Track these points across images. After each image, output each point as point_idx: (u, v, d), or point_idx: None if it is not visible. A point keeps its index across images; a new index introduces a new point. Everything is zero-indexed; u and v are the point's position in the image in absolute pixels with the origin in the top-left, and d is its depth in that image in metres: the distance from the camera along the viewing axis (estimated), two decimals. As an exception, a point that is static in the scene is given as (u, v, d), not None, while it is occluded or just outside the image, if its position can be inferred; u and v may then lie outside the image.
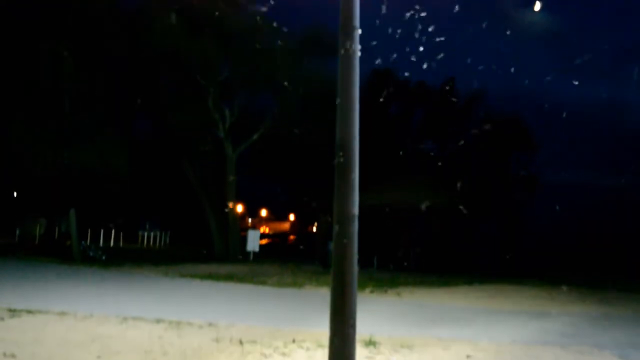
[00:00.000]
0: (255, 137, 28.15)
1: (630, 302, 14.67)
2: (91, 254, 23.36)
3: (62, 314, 9.21)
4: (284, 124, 26.77)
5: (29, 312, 9.11)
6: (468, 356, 7.45)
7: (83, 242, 25.32)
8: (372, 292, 15.51)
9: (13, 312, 8.99)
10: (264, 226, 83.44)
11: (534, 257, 35.08)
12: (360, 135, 6.01)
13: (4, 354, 6.18)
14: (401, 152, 34.66)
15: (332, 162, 6.02)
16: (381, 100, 32.31)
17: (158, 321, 9.01)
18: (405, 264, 28.55)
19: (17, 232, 35.03)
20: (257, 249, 28.29)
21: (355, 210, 5.84)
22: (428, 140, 40.54)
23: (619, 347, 8.31)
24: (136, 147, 28.62)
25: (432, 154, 38.33)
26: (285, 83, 22.41)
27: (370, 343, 7.84)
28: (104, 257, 23.17)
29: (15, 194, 39.86)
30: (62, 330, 7.80)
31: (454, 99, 37.93)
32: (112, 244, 38.62)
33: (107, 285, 14.46)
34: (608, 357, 7.67)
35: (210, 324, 9.00)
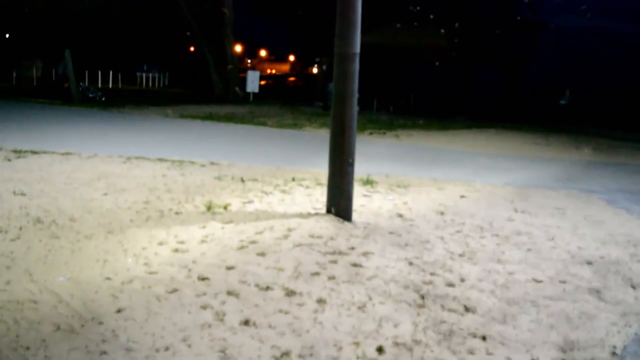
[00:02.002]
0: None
1: (623, 150, 14.91)
2: (90, 95, 23.20)
3: (67, 154, 9.37)
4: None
5: (34, 152, 9.26)
6: (462, 196, 7.71)
7: (81, 83, 25.03)
8: (370, 134, 15.70)
9: (19, 153, 9.13)
10: (270, 68, 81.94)
11: (534, 104, 35.02)
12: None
13: (14, 193, 6.37)
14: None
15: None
16: None
17: (161, 160, 9.21)
18: (405, 106, 28.56)
19: (14, 74, 34.57)
20: (256, 90, 28.17)
21: (356, 49, 5.69)
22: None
23: (608, 192, 8.57)
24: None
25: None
26: None
27: (367, 182, 8.08)
28: (103, 99, 23.08)
29: (7, 35, 38.63)
30: (68, 170, 7.99)
31: None
32: (110, 85, 38.33)
33: (109, 126, 14.56)
34: (596, 200, 7.94)
35: (212, 163, 9.22)
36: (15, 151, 9.24)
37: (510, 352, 3.22)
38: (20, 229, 5.04)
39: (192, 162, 9.20)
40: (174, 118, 17.67)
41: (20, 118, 15.04)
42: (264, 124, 17.21)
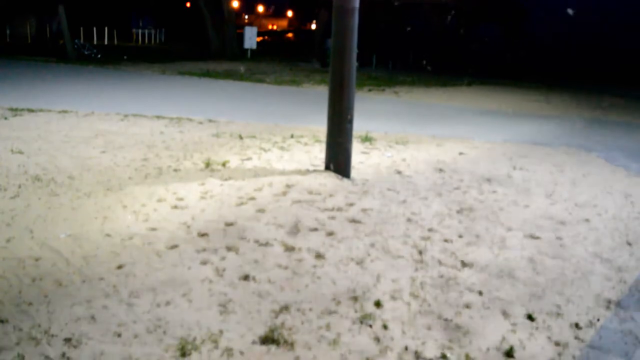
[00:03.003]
0: None
1: (623, 109, 14.80)
2: (86, 52, 22.90)
3: (64, 112, 9.32)
4: None
5: (31, 110, 9.20)
6: (460, 153, 7.70)
7: (77, 40, 24.65)
8: (369, 90, 15.57)
9: (15, 111, 9.06)
10: (272, 24, 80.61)
11: (535, 61, 34.53)
12: None
13: (12, 151, 6.35)
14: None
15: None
16: None
17: (158, 118, 9.17)
18: (401, 63, 28.21)
19: (7, 32, 33.98)
20: (254, 46, 27.82)
21: (356, 3, 5.59)
22: None
23: (606, 150, 8.56)
24: None
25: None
26: None
27: (366, 139, 8.06)
28: (99, 56, 22.80)
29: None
30: (66, 128, 7.95)
31: None
32: (105, 42, 37.76)
33: (105, 83, 14.42)
34: (594, 158, 7.93)
35: (210, 120, 9.18)
36: (11, 109, 9.17)
37: (506, 306, 3.27)
38: (19, 187, 5.05)
39: (190, 119, 9.16)
40: (171, 75, 17.48)
41: (15, 76, 14.88)
42: (261, 80, 17.05)
